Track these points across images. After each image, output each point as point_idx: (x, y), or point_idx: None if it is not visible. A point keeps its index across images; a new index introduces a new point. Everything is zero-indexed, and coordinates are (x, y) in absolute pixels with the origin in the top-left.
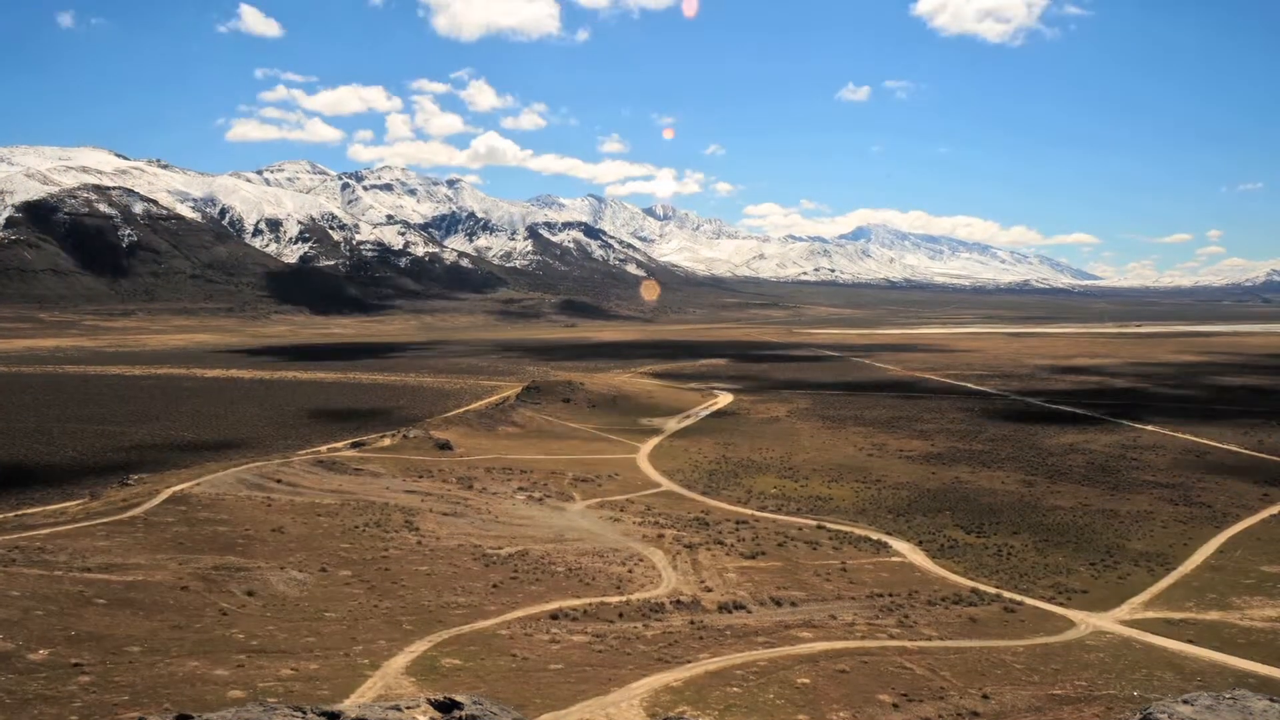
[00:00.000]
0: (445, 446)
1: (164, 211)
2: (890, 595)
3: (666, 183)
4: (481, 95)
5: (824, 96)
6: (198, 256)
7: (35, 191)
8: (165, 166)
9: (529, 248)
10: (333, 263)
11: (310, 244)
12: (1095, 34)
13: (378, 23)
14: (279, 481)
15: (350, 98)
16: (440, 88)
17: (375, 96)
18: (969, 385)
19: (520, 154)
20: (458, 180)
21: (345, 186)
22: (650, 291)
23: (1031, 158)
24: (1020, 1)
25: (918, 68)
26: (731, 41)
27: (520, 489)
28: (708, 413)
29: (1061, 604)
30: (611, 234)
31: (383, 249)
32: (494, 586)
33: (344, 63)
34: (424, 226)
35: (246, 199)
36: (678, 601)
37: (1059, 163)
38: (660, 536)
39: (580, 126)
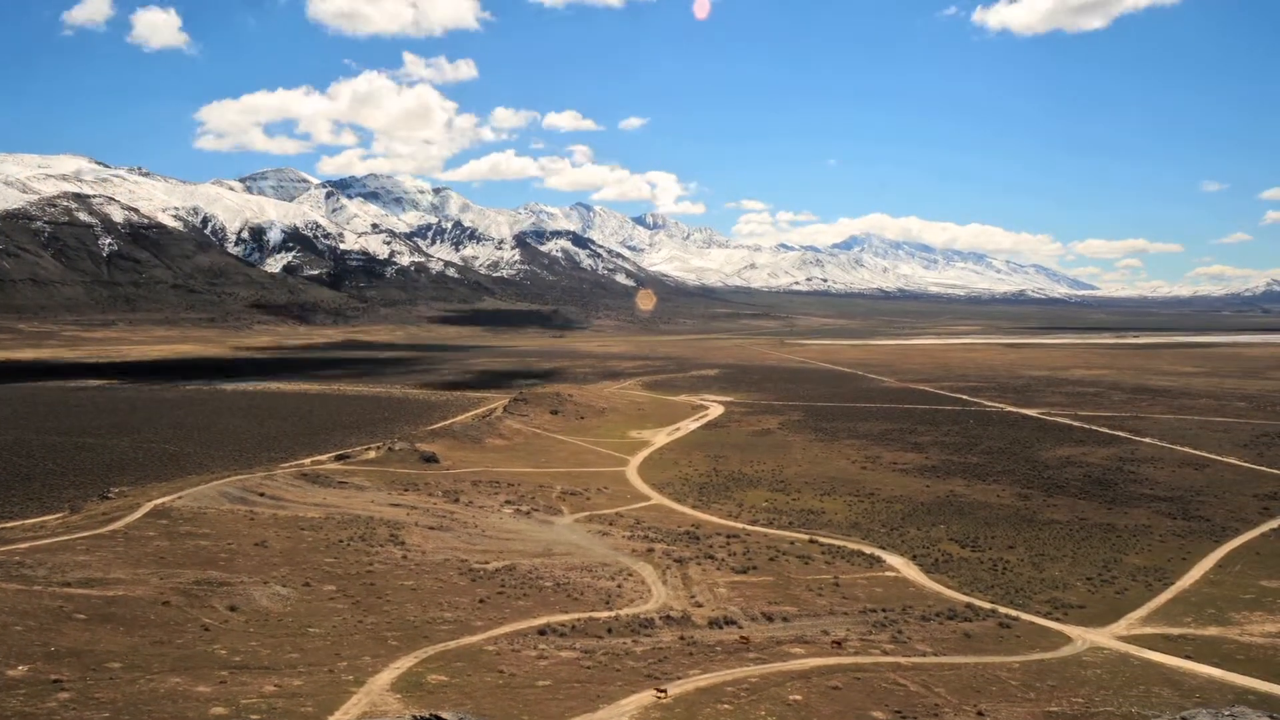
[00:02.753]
0: (431, 459)
1: (145, 220)
2: (884, 611)
3: (659, 190)
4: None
5: (819, 101)
6: (180, 266)
7: (14, 200)
8: (146, 174)
9: (516, 257)
10: (317, 272)
11: (294, 253)
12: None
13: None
14: (262, 495)
15: (343, 99)
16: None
17: (360, 97)
18: (964, 397)
19: (511, 161)
20: (445, 189)
21: (330, 195)
22: (646, 301)
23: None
24: None
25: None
26: (733, 47)
27: (507, 502)
28: (698, 425)
29: (1058, 619)
30: (600, 243)
31: (368, 258)
32: (481, 601)
33: (337, 62)
34: (410, 235)
35: (229, 207)
36: (668, 617)
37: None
38: (650, 551)
39: (574, 131)
